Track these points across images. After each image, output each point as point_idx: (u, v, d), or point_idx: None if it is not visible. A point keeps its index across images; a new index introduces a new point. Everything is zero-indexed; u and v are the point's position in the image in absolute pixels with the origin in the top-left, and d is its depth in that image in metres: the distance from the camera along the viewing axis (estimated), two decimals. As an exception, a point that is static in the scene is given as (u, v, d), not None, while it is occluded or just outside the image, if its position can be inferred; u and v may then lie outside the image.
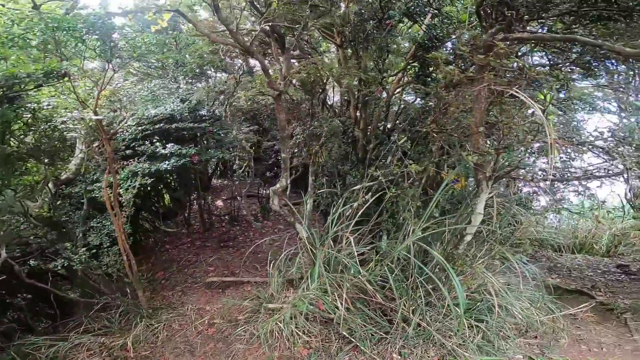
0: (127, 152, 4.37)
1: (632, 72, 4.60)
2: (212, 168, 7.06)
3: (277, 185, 3.98)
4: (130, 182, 3.95)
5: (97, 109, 3.38)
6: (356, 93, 4.50)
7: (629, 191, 3.00)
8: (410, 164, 3.35)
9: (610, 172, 3.45)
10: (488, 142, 3.33)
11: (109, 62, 3.41)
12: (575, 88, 5.31)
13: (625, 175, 2.78)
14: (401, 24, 5.22)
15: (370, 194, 3.76)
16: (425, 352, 3.77)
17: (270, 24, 3.62)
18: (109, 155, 3.52)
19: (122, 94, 3.96)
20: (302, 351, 3.89)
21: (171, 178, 5.75)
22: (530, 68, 2.75)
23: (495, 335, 3.81)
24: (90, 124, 3.70)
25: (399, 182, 3.63)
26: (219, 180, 7.90)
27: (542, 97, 3.22)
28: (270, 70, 4.42)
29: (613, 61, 3.72)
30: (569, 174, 3.64)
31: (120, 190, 3.82)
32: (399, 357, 3.76)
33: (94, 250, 3.85)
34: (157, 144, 4.72)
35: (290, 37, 4.76)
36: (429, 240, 3.87)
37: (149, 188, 5.76)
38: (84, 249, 3.72)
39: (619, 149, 3.11)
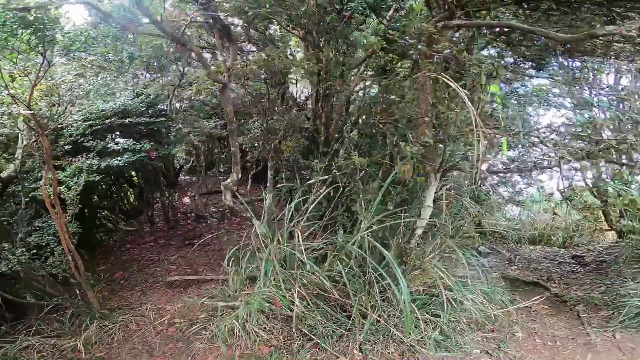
0: (67, 147, 3.97)
1: (586, 69, 4.46)
2: (180, 164, 6.67)
3: (228, 180, 3.70)
4: (77, 179, 3.58)
5: (30, 104, 3.00)
6: (317, 86, 4.21)
7: (562, 181, 2.85)
8: (355, 156, 3.11)
9: (549, 163, 3.28)
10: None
11: (44, 56, 3.06)
12: (532, 84, 5.18)
13: (559, 166, 2.61)
14: (371, 19, 4.96)
15: (325, 187, 3.51)
16: (386, 348, 3.59)
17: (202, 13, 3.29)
18: (46, 152, 3.15)
19: (63, 88, 3.57)
20: (263, 349, 3.66)
21: (135, 175, 5.37)
22: (460, 53, 2.54)
23: (452, 330, 3.64)
24: (23, 119, 3.33)
25: (352, 175, 3.39)
26: (188, 177, 7.50)
27: (493, 90, 3.00)
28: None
29: (567, 57, 3.57)
30: (517, 166, 3.46)
31: (62, 187, 3.46)
32: (360, 353, 3.57)
33: (34, 251, 3.48)
34: (119, 139, 4.35)
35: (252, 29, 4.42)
36: (385, 234, 3.65)
37: (111, 185, 5.40)
38: (23, 249, 3.35)
39: (551, 137, 2.94)
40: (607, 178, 4.38)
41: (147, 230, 5.64)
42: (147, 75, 5.06)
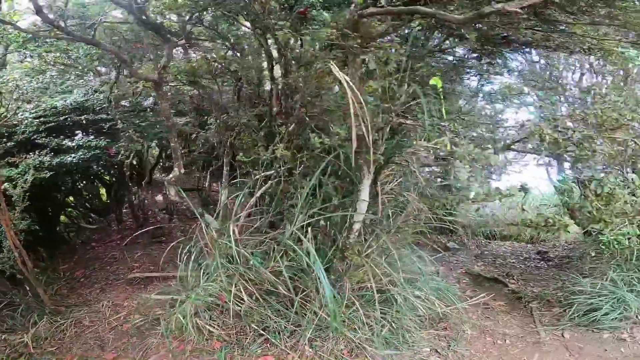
0: (11, 144, 3.87)
1: (548, 65, 4.24)
2: (155, 161, 6.56)
3: (170, 176, 3.59)
4: (26, 176, 3.50)
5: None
6: (272, 82, 4.07)
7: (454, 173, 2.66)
8: (279, 150, 2.97)
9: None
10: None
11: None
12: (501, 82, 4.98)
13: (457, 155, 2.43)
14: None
15: (270, 182, 3.39)
16: (336, 345, 3.46)
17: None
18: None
19: (10, 86, 3.49)
20: (215, 344, 3.56)
21: (105, 172, 5.28)
22: (344, 38, 2.39)
23: (401, 328, 3.49)
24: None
25: (292, 170, 3.25)
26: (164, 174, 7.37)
27: (435, 83, 2.83)
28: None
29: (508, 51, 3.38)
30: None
31: (7, 184, 3.38)
32: (311, 349, 3.44)
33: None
34: (81, 136, 4.25)
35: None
36: (334, 230, 3.50)
37: (76, 183, 5.32)
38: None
39: (451, 124, 2.74)
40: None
41: (115, 228, 5.55)
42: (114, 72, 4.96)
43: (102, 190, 5.90)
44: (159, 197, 5.87)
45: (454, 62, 4.32)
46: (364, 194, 2.92)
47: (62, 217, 5.57)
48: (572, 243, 5.17)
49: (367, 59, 2.49)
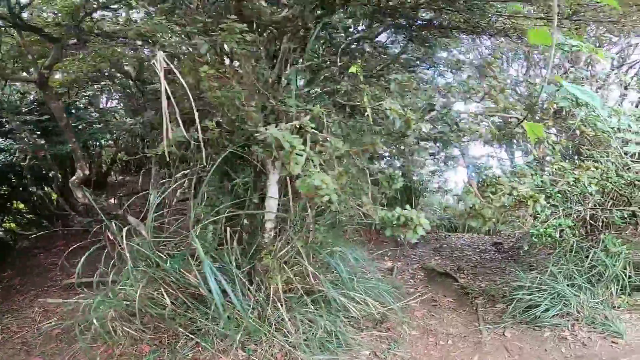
0: None
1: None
2: (109, 164, 6.20)
3: (74, 177, 3.26)
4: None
5: None
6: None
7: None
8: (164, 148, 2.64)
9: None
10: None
11: None
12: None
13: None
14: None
15: (187, 181, 3.07)
16: (270, 348, 3.14)
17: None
18: None
19: None
20: (145, 348, 3.26)
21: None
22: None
23: (338, 330, 3.17)
24: None
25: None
26: (122, 177, 7.00)
27: (354, 71, 2.50)
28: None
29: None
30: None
31: None
32: (244, 353, 3.15)
33: None
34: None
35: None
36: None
37: (15, 188, 4.98)
38: None
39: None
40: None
41: (61, 234, 5.21)
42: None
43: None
44: (111, 201, 5.52)
45: (395, 51, 3.97)
46: (272, 190, 2.59)
47: (13, 225, 5.26)
48: (524, 234, 4.80)
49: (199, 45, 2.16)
